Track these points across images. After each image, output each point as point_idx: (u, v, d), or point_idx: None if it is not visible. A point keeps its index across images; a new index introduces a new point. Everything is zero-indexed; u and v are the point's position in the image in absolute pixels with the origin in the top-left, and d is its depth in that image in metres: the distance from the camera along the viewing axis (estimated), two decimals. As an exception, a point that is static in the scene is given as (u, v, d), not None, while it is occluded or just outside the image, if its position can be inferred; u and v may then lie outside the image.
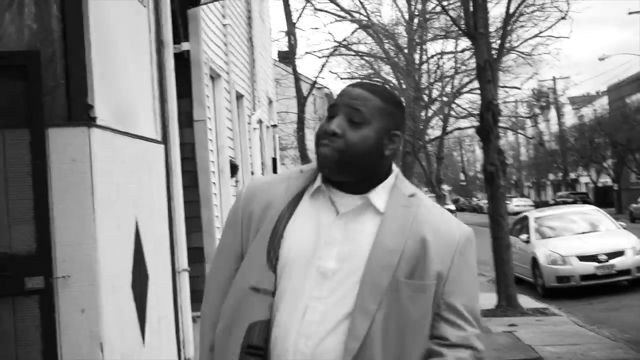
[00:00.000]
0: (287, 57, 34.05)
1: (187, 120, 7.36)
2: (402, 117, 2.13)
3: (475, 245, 2.16)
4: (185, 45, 6.71)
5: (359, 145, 2.02)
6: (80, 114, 4.17)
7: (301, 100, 33.68)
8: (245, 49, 11.24)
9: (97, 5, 4.40)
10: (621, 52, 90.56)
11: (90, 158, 4.14)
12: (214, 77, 8.56)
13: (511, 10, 15.48)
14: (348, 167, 2.03)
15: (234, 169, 8.95)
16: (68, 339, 4.10)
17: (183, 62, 7.13)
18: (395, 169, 2.15)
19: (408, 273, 2.01)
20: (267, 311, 2.03)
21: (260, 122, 11.63)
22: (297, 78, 34.82)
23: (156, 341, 5.14)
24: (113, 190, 4.45)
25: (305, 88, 34.78)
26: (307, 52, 36.72)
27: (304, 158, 30.77)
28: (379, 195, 2.07)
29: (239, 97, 10.32)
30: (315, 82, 35.17)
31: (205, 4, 7.10)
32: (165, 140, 5.81)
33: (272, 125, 14.23)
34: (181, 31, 6.95)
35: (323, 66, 34.19)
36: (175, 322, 5.77)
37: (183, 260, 6.11)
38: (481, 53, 12.79)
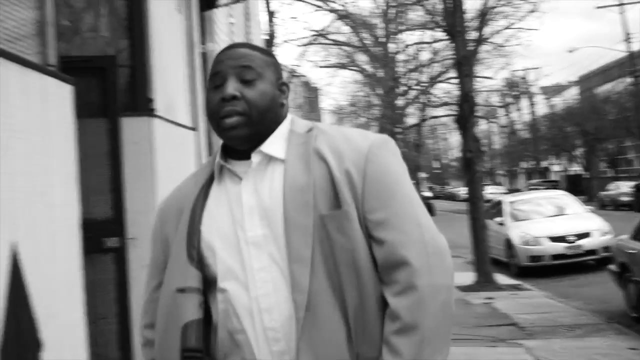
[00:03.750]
0: (267, 46, 34.79)
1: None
2: (280, 66, 2.07)
3: (398, 153, 2.00)
4: (209, 46, 7.61)
5: (260, 101, 1.93)
6: (144, 105, 5.09)
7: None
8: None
9: (154, 16, 5.32)
10: (589, 45, 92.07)
11: (151, 142, 5.07)
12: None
13: (487, 6, 16.45)
14: (256, 128, 1.93)
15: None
16: (134, 290, 5.03)
17: (199, 58, 8.02)
18: (289, 116, 2.05)
19: (328, 205, 1.87)
20: (197, 309, 1.92)
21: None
22: (277, 66, 35.56)
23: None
24: (166, 169, 5.38)
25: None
26: (285, 41, 37.37)
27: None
28: (273, 144, 1.96)
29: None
30: (293, 70, 35.95)
31: (224, 5, 7.94)
32: (195, 127, 6.73)
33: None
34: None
35: (302, 55, 34.82)
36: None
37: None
38: (459, 50, 13.75)
